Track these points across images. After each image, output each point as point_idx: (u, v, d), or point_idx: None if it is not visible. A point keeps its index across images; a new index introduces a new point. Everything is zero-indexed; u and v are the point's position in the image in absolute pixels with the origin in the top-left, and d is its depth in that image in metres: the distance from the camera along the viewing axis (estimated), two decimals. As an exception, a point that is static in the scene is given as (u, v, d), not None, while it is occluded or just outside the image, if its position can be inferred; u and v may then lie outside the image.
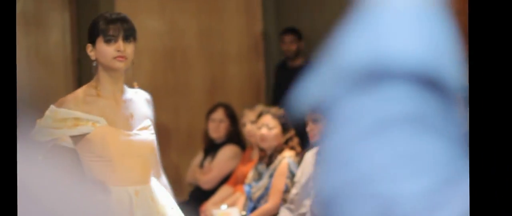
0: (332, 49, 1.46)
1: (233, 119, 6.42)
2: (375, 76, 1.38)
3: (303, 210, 5.19)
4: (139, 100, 3.68)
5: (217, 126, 6.37)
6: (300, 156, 5.45)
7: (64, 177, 2.18)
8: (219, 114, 6.39)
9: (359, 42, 1.41)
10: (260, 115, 5.62)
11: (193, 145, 7.26)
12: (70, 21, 7.63)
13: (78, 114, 3.50)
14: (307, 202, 5.13)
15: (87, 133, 3.50)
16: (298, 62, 7.26)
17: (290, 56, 7.30)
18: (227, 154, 6.34)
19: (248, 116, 6.11)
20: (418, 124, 1.37)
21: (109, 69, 3.57)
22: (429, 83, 1.37)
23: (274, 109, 5.59)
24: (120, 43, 3.54)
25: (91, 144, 3.49)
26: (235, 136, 6.35)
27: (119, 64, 3.55)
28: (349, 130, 1.39)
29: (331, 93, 1.43)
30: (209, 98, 7.56)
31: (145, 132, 3.60)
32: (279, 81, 7.29)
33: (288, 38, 7.26)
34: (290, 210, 5.31)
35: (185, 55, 7.63)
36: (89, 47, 3.61)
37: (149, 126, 3.64)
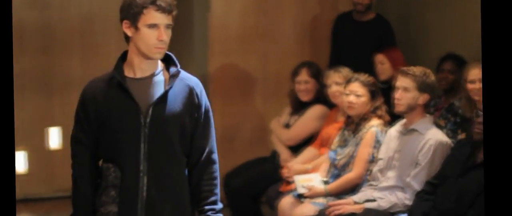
0: None
1: (318, 77, 6.24)
2: None
3: (385, 183, 5.18)
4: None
5: (304, 88, 6.27)
6: (388, 125, 5.44)
7: None
8: (303, 75, 6.26)
9: None
10: (348, 82, 5.59)
11: (280, 93, 7.15)
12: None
13: None
14: (391, 174, 5.16)
15: None
16: (368, 16, 6.93)
17: (360, 10, 6.88)
18: (314, 113, 6.26)
19: (332, 78, 6.01)
20: None
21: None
22: None
23: (363, 76, 5.55)
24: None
25: None
26: (323, 96, 6.20)
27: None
28: None
29: None
30: (300, 46, 7.47)
31: None
32: (343, 34, 6.96)
33: None
34: (372, 186, 5.29)
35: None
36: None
37: None
